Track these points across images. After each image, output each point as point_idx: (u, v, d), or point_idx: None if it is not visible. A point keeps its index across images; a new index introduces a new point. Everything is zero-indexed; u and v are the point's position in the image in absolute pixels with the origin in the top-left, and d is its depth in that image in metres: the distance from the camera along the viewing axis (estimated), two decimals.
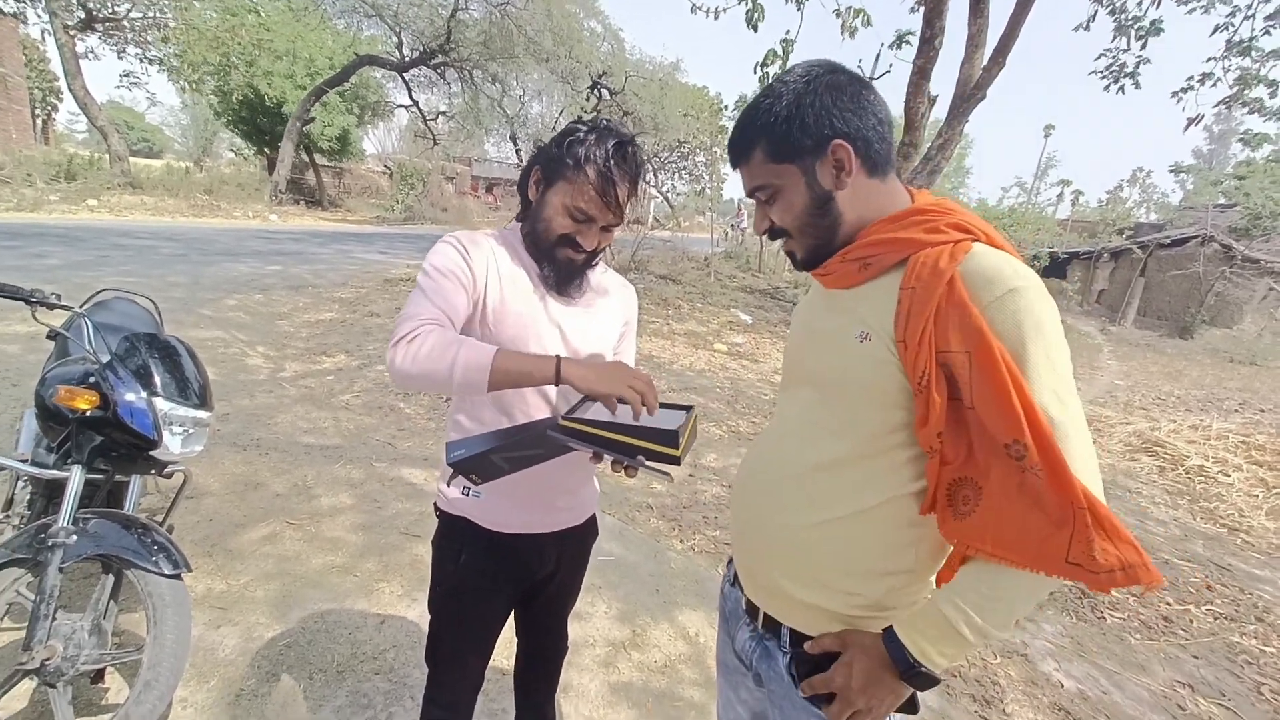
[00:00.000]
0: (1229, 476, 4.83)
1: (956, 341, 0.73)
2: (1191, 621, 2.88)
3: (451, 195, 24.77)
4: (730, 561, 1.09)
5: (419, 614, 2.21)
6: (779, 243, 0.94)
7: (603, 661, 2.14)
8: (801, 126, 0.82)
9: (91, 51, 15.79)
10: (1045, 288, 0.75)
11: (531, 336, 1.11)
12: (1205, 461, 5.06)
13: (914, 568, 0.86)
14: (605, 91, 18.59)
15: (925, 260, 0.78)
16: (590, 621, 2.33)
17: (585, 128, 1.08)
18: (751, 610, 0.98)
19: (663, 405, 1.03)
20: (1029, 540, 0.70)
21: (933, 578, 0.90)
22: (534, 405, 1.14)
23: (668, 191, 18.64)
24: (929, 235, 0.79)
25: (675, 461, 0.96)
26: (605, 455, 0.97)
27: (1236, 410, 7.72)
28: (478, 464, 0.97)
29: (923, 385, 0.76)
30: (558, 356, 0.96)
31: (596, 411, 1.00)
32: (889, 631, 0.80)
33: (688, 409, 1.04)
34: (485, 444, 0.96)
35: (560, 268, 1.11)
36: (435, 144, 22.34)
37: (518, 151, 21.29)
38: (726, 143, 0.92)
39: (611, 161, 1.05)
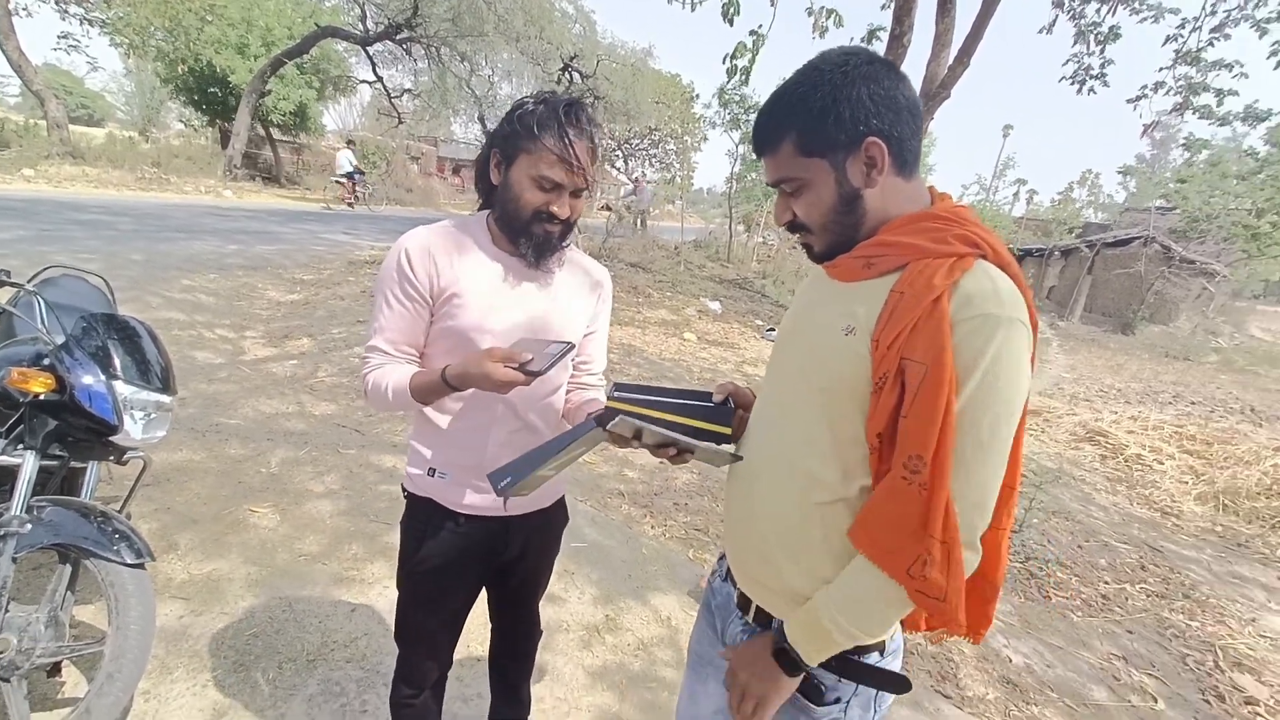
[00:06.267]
0: (1163, 464, 5.16)
1: (921, 352, 0.74)
2: (1127, 599, 3.09)
3: (417, 176, 24.06)
4: (722, 558, 1.11)
5: (391, 601, 2.17)
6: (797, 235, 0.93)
7: (578, 645, 2.17)
8: (837, 121, 0.80)
9: (24, 8, 14.67)
10: (1026, 323, 0.75)
11: (492, 323, 1.12)
12: (1142, 450, 5.38)
13: None
14: (576, 75, 18.31)
15: (922, 270, 0.77)
16: (565, 606, 2.35)
17: (532, 100, 1.08)
18: (743, 603, 1.00)
19: (685, 393, 1.02)
20: (887, 540, 0.77)
21: None
22: (477, 406, 1.16)
23: (637, 178, 18.49)
24: (934, 244, 0.79)
25: (729, 441, 0.97)
26: (651, 444, 0.94)
27: (1170, 402, 8.21)
28: (525, 485, 0.98)
29: (879, 385, 0.78)
30: (443, 371, 1.05)
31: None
32: (778, 632, 0.90)
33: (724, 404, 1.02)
34: (530, 466, 0.97)
35: (538, 242, 1.10)
36: (400, 123, 21.64)
37: (486, 133, 20.76)
38: (752, 128, 0.89)
39: (564, 122, 1.04)
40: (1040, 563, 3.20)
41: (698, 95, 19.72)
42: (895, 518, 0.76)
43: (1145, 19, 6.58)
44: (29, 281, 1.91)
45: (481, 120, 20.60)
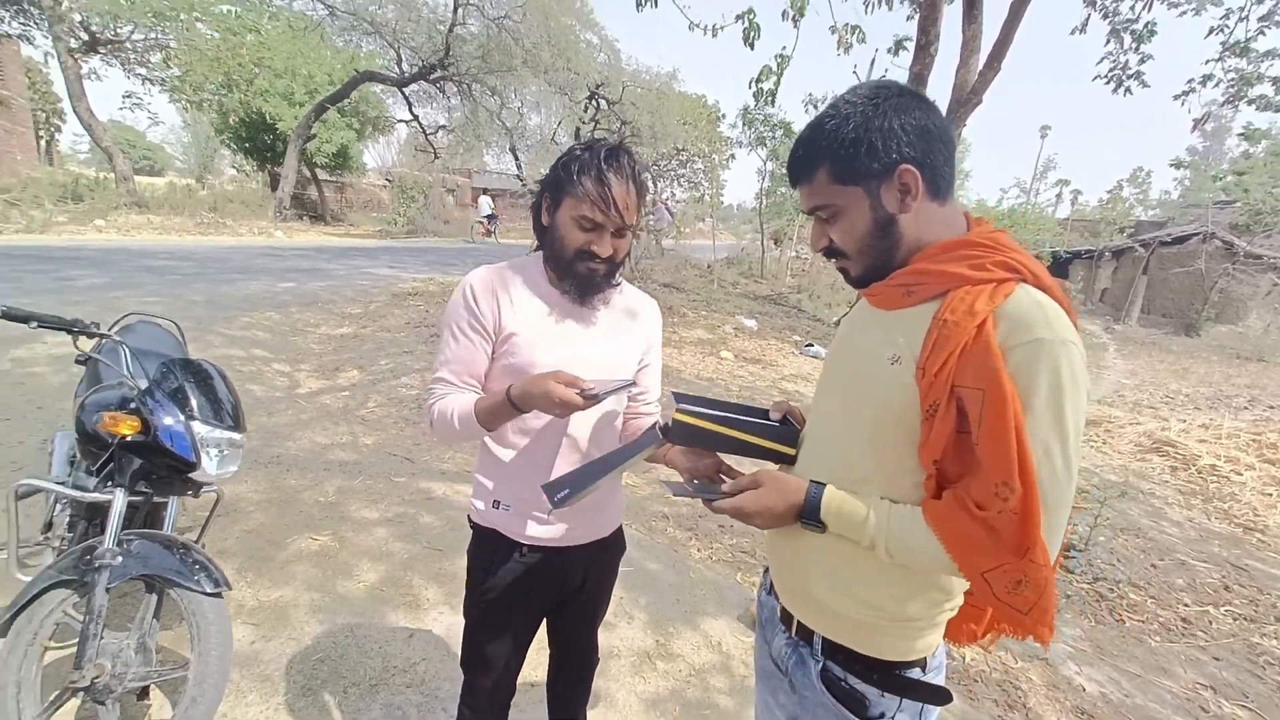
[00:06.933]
0: (1241, 476, 4.84)
1: (973, 378, 0.75)
2: (1211, 623, 2.89)
3: (453, 207, 24.89)
4: (766, 571, 1.13)
5: (447, 626, 2.24)
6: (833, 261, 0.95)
7: (630, 671, 2.17)
8: (870, 149, 0.82)
9: (94, 72, 15.97)
10: (1078, 343, 0.76)
11: (548, 360, 1.16)
12: (1217, 461, 5.07)
13: (939, 582, 0.89)
14: (603, 102, 18.72)
15: (964, 297, 0.79)
16: (615, 631, 2.35)
17: (581, 147, 1.14)
18: (786, 618, 1.01)
19: (742, 408, 1.03)
20: (968, 539, 0.77)
21: (960, 595, 0.93)
22: (540, 440, 1.20)
23: (668, 200, 18.67)
24: (973, 272, 0.80)
25: (791, 463, 0.98)
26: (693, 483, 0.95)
27: (1246, 408, 7.72)
28: (580, 498, 1.00)
29: (930, 413, 0.79)
30: (507, 389, 1.08)
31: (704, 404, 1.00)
32: (816, 486, 0.88)
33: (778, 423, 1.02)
34: (590, 479, 1.00)
35: (581, 281, 1.16)
36: (436, 157, 22.49)
37: (517, 163, 21.48)
38: (787, 159, 0.92)
39: (604, 166, 1.10)
40: (1110, 583, 3.04)
41: (724, 115, 19.90)
42: (980, 536, 0.76)
43: (1184, 12, 6.36)
44: (111, 329, 2.07)
45: (513, 151, 21.24)
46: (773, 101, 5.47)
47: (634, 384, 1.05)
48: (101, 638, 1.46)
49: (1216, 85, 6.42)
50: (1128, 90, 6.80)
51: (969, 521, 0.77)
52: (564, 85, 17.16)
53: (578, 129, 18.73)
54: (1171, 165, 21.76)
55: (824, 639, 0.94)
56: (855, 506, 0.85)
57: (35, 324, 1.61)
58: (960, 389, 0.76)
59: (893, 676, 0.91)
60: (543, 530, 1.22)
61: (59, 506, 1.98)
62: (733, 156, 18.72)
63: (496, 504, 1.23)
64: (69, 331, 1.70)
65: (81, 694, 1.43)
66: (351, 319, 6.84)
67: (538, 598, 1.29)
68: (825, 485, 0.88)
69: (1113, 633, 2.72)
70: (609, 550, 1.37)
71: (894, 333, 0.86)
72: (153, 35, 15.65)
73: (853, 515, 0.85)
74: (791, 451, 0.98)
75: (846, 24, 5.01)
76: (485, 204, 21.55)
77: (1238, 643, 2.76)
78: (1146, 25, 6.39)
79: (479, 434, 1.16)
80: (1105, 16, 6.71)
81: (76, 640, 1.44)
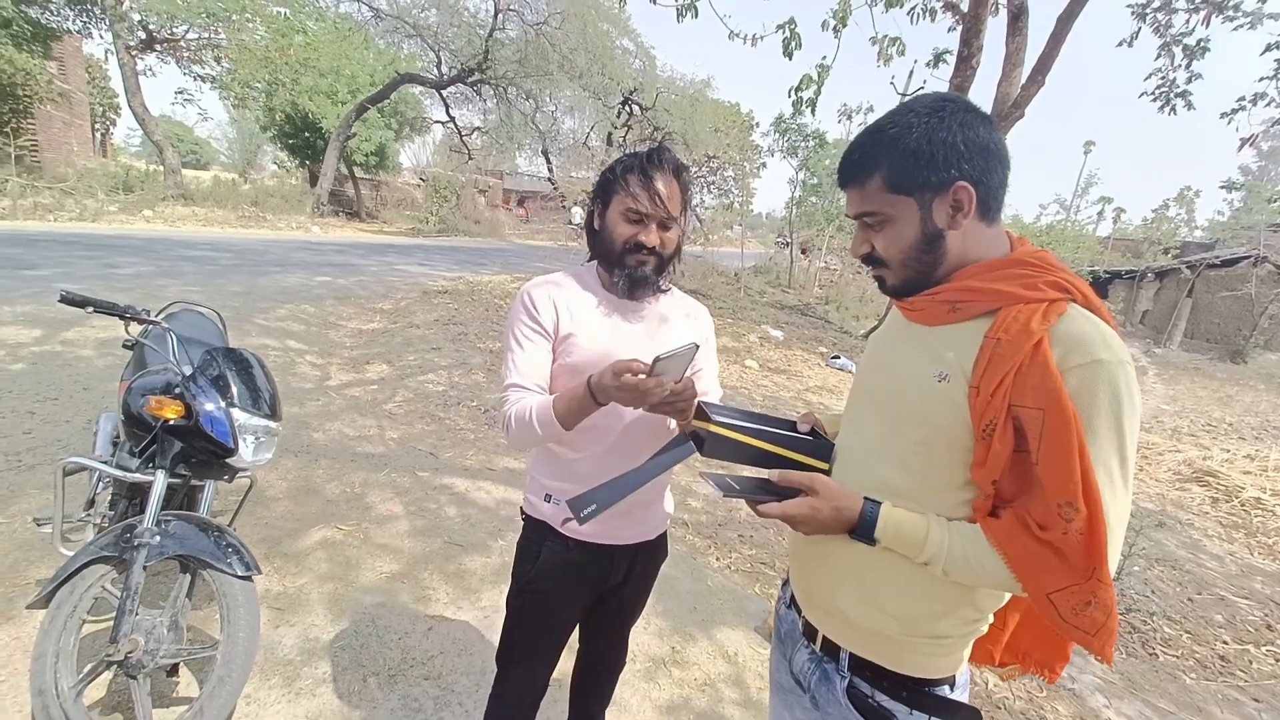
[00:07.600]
0: None
1: (1032, 398, 0.74)
2: (1251, 662, 2.77)
3: (484, 208, 25.31)
4: (786, 584, 1.11)
5: (465, 621, 2.26)
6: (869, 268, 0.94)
7: (643, 676, 2.16)
8: (930, 162, 0.81)
9: (149, 69, 16.70)
10: (1132, 364, 0.76)
11: (598, 355, 1.19)
12: (1262, 493, 4.85)
13: (973, 599, 0.88)
14: (636, 107, 18.85)
15: (1017, 316, 0.78)
16: (631, 636, 2.34)
17: (626, 154, 1.21)
18: (810, 632, 1.00)
19: (769, 419, 1.01)
20: (1033, 559, 0.76)
21: (991, 613, 0.91)
22: (597, 440, 1.22)
23: (696, 206, 18.74)
24: (1025, 291, 0.79)
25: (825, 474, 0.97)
26: (732, 487, 0.91)
27: None
28: (607, 510, 1.01)
29: (986, 432, 0.78)
30: (588, 379, 1.07)
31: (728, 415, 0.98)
32: (872, 503, 0.86)
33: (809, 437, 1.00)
34: (619, 494, 1.01)
35: (631, 273, 1.20)
36: (469, 158, 22.88)
37: (549, 166, 21.80)
38: (840, 161, 0.91)
39: (647, 161, 1.17)
40: (1144, 615, 2.93)
41: (757, 123, 19.90)
42: (1046, 557, 0.76)
43: (1239, 26, 6.13)
44: (158, 316, 2.15)
45: (545, 154, 21.51)
46: (813, 111, 5.45)
47: (697, 347, 1.04)
48: (137, 614, 1.51)
49: (1269, 104, 6.19)
50: (1173, 109, 6.59)
51: (1033, 542, 0.76)
52: (598, 90, 17.35)
53: (610, 134, 18.90)
54: (1223, 187, 20.91)
55: (851, 654, 0.93)
56: (913, 525, 0.84)
57: (91, 309, 1.68)
58: (1018, 409, 0.76)
59: (922, 694, 0.89)
60: (590, 526, 1.23)
61: (101, 485, 2.06)
62: (764, 165, 18.72)
63: (549, 498, 1.27)
64: (121, 317, 1.77)
65: (115, 667, 1.48)
66: (382, 314, 6.99)
67: (579, 594, 1.31)
68: (881, 503, 0.86)
69: (1145, 667, 2.62)
70: (652, 554, 1.39)
71: (940, 349, 0.85)
72: (206, 35, 16.29)
73: (911, 534, 0.83)
74: (825, 467, 0.97)
75: (886, 36, 4.96)
76: (577, 212, 24.19)
77: None
78: (1199, 41, 6.19)
79: (557, 433, 1.14)
80: (1157, 31, 6.51)
81: (113, 615, 1.49)
